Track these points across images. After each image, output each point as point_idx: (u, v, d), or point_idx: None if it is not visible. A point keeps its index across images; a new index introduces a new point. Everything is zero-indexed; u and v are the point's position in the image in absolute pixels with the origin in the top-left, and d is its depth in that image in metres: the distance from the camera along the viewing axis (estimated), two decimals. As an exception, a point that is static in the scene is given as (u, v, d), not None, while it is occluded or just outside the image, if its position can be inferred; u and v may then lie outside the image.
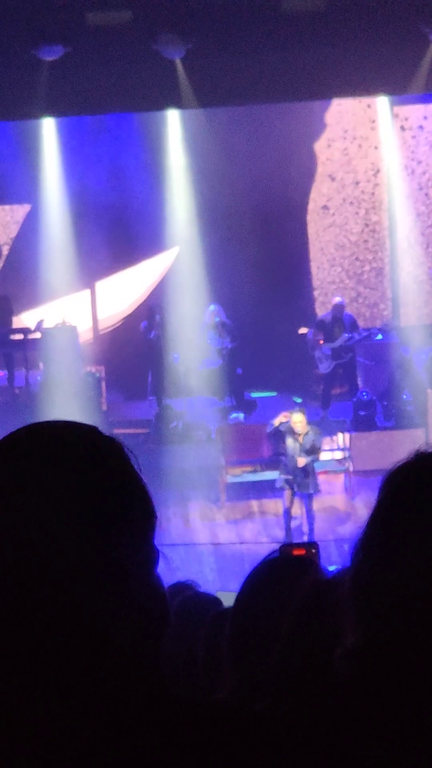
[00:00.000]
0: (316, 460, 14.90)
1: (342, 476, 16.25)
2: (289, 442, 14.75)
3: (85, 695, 1.65)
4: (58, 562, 1.64)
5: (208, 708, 1.72)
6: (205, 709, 1.71)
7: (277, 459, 15.14)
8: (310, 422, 15.02)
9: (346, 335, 17.95)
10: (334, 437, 16.64)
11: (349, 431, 16.86)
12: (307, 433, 14.72)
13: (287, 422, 14.87)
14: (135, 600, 1.67)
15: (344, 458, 16.30)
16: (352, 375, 18.21)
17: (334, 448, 16.47)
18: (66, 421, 1.78)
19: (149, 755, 1.64)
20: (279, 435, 14.98)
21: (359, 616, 1.86)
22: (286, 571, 2.82)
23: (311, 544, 2.96)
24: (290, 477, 14.68)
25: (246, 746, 1.67)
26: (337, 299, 18.45)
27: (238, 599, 2.86)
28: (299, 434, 14.72)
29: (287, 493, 14.78)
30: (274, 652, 2.45)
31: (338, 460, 16.35)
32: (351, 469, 16.06)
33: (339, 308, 18.16)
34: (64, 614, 1.64)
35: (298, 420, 14.74)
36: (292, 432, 14.76)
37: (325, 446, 15.92)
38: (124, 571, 1.67)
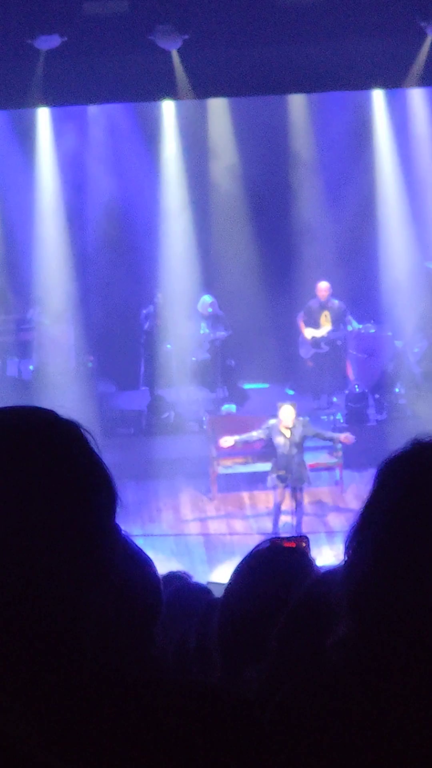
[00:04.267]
0: (322, 438, 15.08)
1: (333, 469, 16.24)
2: (279, 440, 14.68)
3: (76, 681, 1.66)
4: (26, 550, 1.64)
5: (201, 691, 1.73)
6: (197, 692, 1.72)
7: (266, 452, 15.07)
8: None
9: (329, 328, 17.81)
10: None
11: (340, 424, 16.86)
12: (295, 426, 14.69)
13: (272, 425, 14.80)
14: (112, 583, 1.67)
15: (335, 451, 16.29)
16: (339, 367, 18.06)
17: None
18: (22, 406, 1.76)
19: (141, 738, 1.66)
20: (268, 440, 14.90)
21: (351, 605, 1.87)
22: (275, 562, 2.84)
23: (301, 538, 2.98)
24: (282, 472, 14.63)
25: (238, 729, 1.69)
26: (321, 284, 18.22)
27: (227, 589, 2.88)
28: (288, 427, 14.67)
29: (279, 487, 14.76)
30: (268, 645, 2.47)
31: (329, 453, 16.34)
32: (341, 462, 16.06)
33: (324, 295, 18.01)
34: (47, 600, 1.64)
35: (287, 411, 14.71)
36: (277, 430, 14.71)
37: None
38: (97, 553, 1.67)
